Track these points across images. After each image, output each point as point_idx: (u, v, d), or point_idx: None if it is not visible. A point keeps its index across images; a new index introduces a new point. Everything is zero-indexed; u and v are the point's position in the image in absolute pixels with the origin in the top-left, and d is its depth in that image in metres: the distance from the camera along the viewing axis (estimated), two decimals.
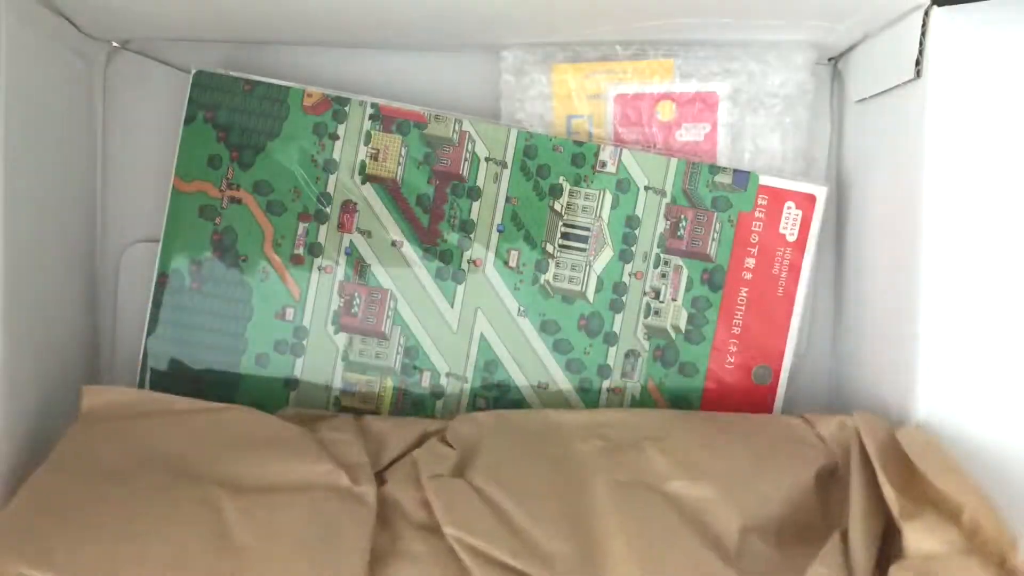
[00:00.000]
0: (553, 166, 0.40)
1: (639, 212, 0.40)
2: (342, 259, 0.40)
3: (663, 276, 0.40)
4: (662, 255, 0.40)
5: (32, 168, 0.35)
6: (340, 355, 0.40)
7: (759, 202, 0.39)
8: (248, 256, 0.40)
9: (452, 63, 0.42)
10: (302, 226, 0.40)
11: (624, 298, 0.40)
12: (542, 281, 0.40)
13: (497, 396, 0.40)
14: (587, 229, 0.40)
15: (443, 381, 0.40)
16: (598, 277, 0.40)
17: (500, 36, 0.40)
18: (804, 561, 0.29)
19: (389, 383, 0.40)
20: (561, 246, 0.40)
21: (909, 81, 0.34)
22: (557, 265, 0.40)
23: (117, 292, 0.42)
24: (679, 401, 0.40)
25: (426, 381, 0.40)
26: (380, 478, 0.33)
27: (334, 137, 0.40)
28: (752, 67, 0.40)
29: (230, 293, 0.40)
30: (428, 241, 0.40)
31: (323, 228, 0.40)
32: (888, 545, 0.30)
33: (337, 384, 0.40)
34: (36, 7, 0.35)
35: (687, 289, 0.40)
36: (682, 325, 0.40)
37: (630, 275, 0.40)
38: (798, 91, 0.40)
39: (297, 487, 0.32)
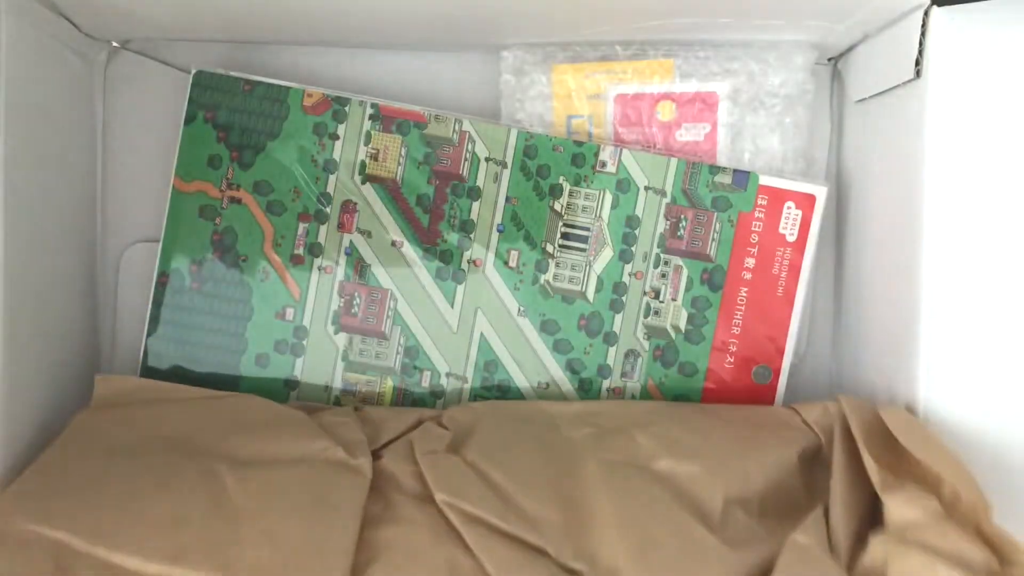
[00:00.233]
0: (553, 166, 0.40)
1: (639, 212, 0.40)
2: (342, 259, 0.40)
3: (663, 276, 0.40)
4: (662, 255, 0.40)
5: (32, 168, 0.35)
6: (340, 355, 0.40)
7: (759, 202, 0.39)
8: (248, 256, 0.40)
9: (452, 63, 0.42)
10: (302, 226, 0.40)
11: (624, 298, 0.40)
12: (542, 281, 0.40)
13: (497, 396, 0.40)
14: (587, 229, 0.40)
15: (443, 381, 0.40)
16: (598, 277, 0.40)
17: (500, 36, 0.40)
18: (786, 533, 0.30)
19: (389, 383, 0.40)
20: (561, 246, 0.40)
21: (909, 81, 0.34)
22: (557, 265, 0.40)
23: (117, 292, 0.42)
24: (679, 401, 0.40)
25: (426, 381, 0.40)
26: (376, 455, 0.34)
27: (334, 137, 0.40)
28: (752, 67, 0.40)
29: (230, 293, 0.40)
30: (428, 241, 0.40)
31: (323, 228, 0.40)
32: (871, 523, 0.31)
33: (337, 384, 0.40)
34: (36, 7, 0.35)
35: (687, 289, 0.40)
36: (682, 325, 0.40)
37: (630, 275, 0.40)
38: (798, 91, 0.40)
39: (295, 460, 0.33)
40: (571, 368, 0.40)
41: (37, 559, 0.27)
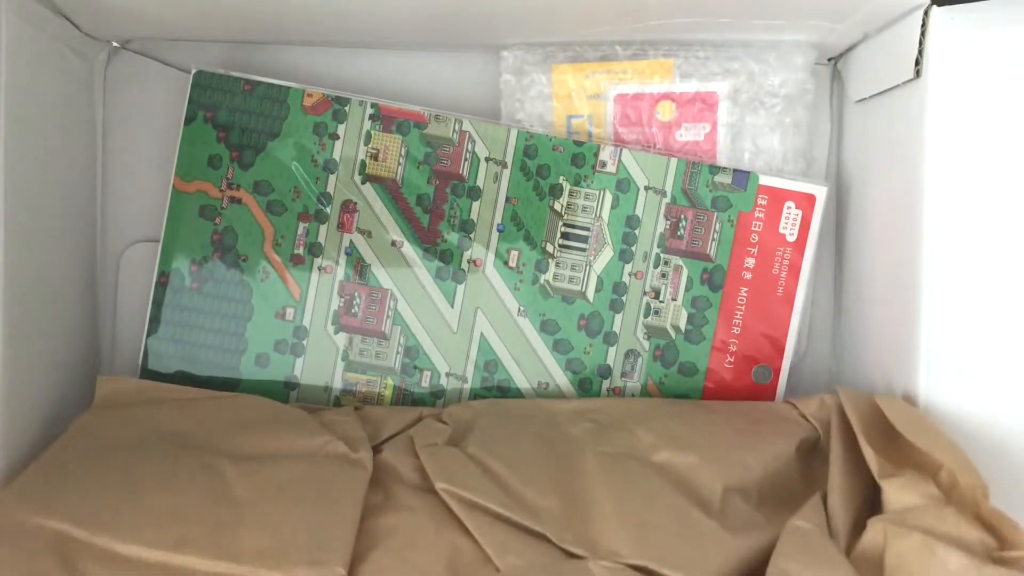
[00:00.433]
0: (553, 166, 0.40)
1: (639, 212, 0.40)
2: (342, 259, 0.40)
3: (663, 276, 0.40)
4: (662, 255, 0.40)
5: (32, 168, 0.35)
6: (340, 355, 0.40)
7: (759, 202, 0.39)
8: (248, 256, 0.40)
9: (452, 63, 0.42)
10: (302, 226, 0.40)
11: (624, 298, 0.40)
12: (542, 281, 0.40)
13: (497, 396, 0.40)
14: (587, 229, 0.40)
15: (443, 381, 0.40)
16: (598, 277, 0.40)
17: (500, 36, 0.40)
18: (784, 520, 0.30)
19: (389, 383, 0.40)
20: (561, 246, 0.40)
21: (909, 81, 0.34)
22: (557, 265, 0.40)
23: (117, 292, 0.42)
24: (679, 400, 0.40)
25: (426, 381, 0.40)
26: (377, 450, 0.34)
27: (334, 137, 0.40)
28: (752, 67, 0.40)
29: (230, 293, 0.40)
30: (428, 241, 0.40)
31: (323, 228, 0.40)
32: (869, 512, 0.31)
33: (337, 384, 0.40)
34: (36, 7, 0.35)
35: (687, 289, 0.40)
36: (682, 325, 0.40)
37: (630, 275, 0.40)
38: (798, 91, 0.40)
39: (296, 455, 0.33)
40: (571, 368, 0.40)
41: (40, 550, 0.27)
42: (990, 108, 0.32)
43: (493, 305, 0.40)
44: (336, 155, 0.40)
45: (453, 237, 0.40)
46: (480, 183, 0.40)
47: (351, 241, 0.40)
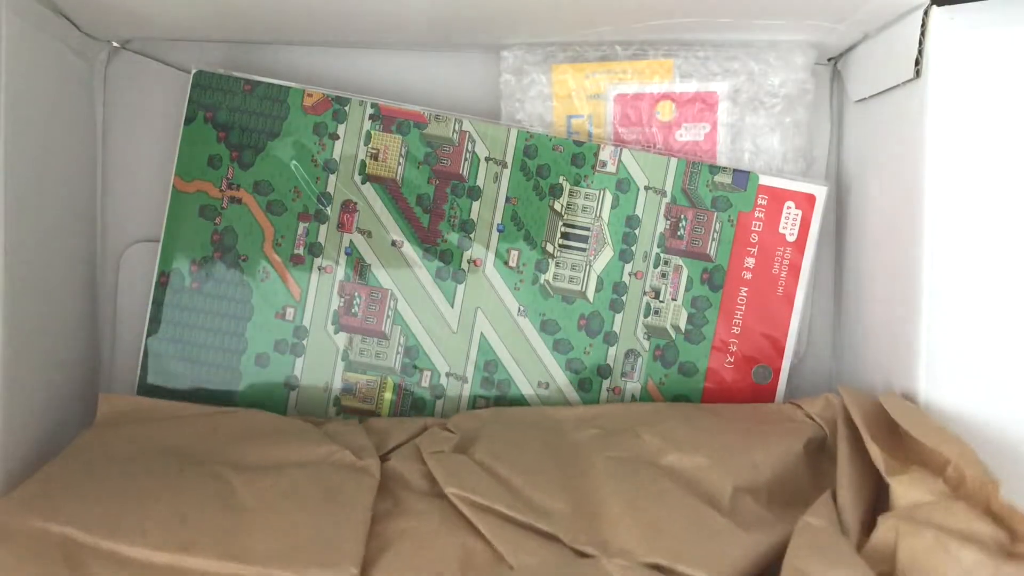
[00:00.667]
0: (553, 166, 0.40)
1: (639, 212, 0.40)
2: (342, 259, 0.40)
3: (663, 276, 0.40)
4: (662, 255, 0.40)
5: (32, 168, 0.35)
6: (340, 355, 0.40)
7: (759, 202, 0.40)
8: (248, 256, 0.40)
9: (452, 63, 0.42)
10: (302, 226, 0.40)
11: (624, 298, 0.40)
12: (542, 281, 0.40)
13: (497, 396, 0.40)
14: (587, 229, 0.40)
15: (443, 381, 0.40)
16: (598, 277, 0.40)
17: (500, 36, 0.40)
18: (795, 518, 0.30)
19: (389, 383, 0.40)
20: (561, 246, 0.40)
21: (909, 81, 0.34)
22: (557, 265, 0.40)
23: (117, 292, 0.42)
24: (679, 401, 0.40)
25: (426, 381, 0.40)
26: (383, 459, 0.34)
27: (334, 137, 0.40)
28: (752, 67, 0.40)
29: (230, 293, 0.40)
30: (428, 241, 0.40)
31: (323, 228, 0.40)
32: (877, 511, 0.31)
33: (337, 384, 0.40)
34: (36, 7, 0.35)
35: (687, 289, 0.40)
36: (682, 325, 0.40)
37: (630, 275, 0.40)
38: (798, 91, 0.40)
39: (302, 463, 0.33)
40: (571, 368, 0.40)
41: (46, 553, 0.27)
42: (990, 108, 0.32)
43: (493, 305, 0.40)
44: (336, 155, 0.40)
45: (453, 237, 0.40)
46: (480, 183, 0.40)
47: (351, 241, 0.40)
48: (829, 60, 0.43)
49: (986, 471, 0.28)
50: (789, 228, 0.40)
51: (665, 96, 0.40)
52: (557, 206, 0.40)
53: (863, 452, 0.32)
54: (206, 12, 0.37)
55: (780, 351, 0.40)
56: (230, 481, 0.31)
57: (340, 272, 0.40)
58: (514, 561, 0.28)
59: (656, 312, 0.40)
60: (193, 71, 0.40)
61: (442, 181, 0.40)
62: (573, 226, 0.40)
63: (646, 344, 0.40)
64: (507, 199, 0.40)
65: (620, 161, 0.40)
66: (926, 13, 0.33)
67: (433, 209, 0.40)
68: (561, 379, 0.40)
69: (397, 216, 0.40)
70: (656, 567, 0.28)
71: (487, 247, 0.40)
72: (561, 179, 0.40)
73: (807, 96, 0.40)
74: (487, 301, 0.40)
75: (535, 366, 0.40)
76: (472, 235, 0.40)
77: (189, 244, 0.40)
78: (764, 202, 0.39)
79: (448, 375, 0.40)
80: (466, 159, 0.40)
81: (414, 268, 0.40)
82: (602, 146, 0.40)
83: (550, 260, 0.40)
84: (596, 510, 0.31)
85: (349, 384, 0.40)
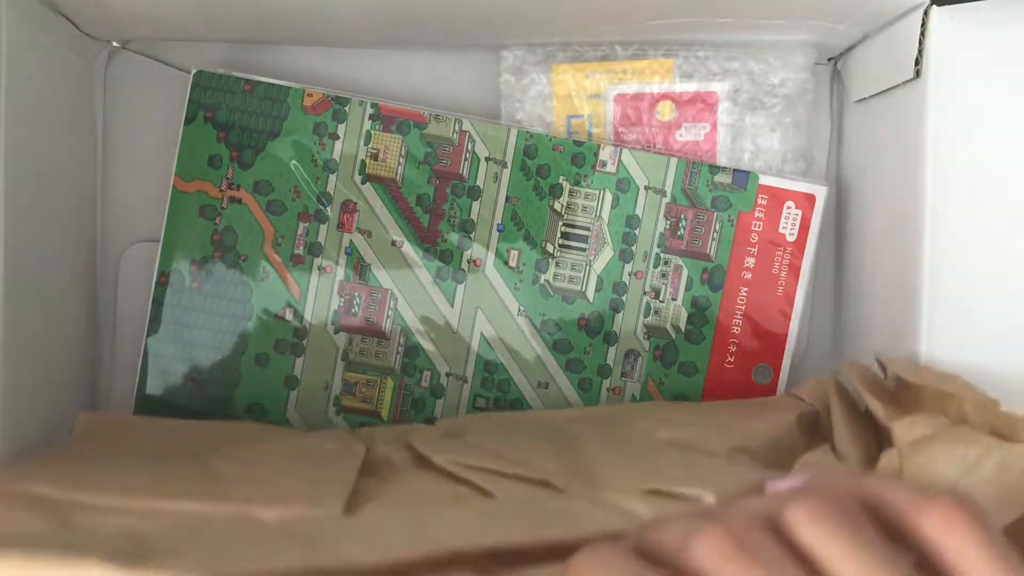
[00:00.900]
0: (553, 166, 0.40)
1: (639, 212, 0.40)
2: (342, 259, 0.40)
3: (663, 276, 0.40)
4: (662, 255, 0.40)
5: (32, 168, 0.35)
6: (340, 355, 0.40)
7: (759, 202, 0.39)
8: (248, 256, 0.40)
9: (452, 63, 0.42)
10: (302, 226, 0.40)
11: (624, 298, 0.40)
12: (542, 281, 0.40)
13: (497, 396, 0.40)
14: (587, 229, 0.40)
15: (443, 381, 0.40)
16: (598, 277, 0.40)
17: (500, 36, 0.40)
18: None
19: (389, 383, 0.40)
20: (561, 246, 0.40)
21: (909, 81, 0.34)
22: (557, 265, 0.40)
23: (117, 292, 0.42)
24: (679, 401, 0.40)
25: (426, 381, 0.40)
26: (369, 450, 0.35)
27: (334, 137, 0.40)
28: (752, 67, 0.40)
29: (230, 293, 0.40)
30: (428, 241, 0.40)
31: (323, 228, 0.40)
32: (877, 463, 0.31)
33: (337, 384, 0.40)
34: (36, 6, 0.35)
35: (687, 289, 0.40)
36: (682, 325, 0.40)
37: (630, 275, 0.40)
38: (798, 91, 0.40)
39: (286, 448, 0.34)
40: (571, 368, 0.40)
41: (24, 507, 0.27)
42: (990, 108, 0.32)
43: (493, 305, 0.40)
44: (336, 155, 0.40)
45: (453, 237, 0.40)
46: (480, 183, 0.40)
47: (351, 241, 0.40)
48: (829, 60, 0.43)
49: (986, 394, 0.28)
50: (789, 228, 0.40)
51: (665, 96, 0.40)
52: (557, 206, 0.40)
53: (858, 419, 0.32)
54: (206, 12, 0.37)
55: (780, 351, 0.40)
56: (210, 463, 0.31)
57: (340, 272, 0.40)
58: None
59: (656, 312, 0.40)
60: (193, 71, 0.40)
61: (442, 181, 0.40)
62: (573, 226, 0.40)
63: (646, 344, 0.40)
64: (507, 199, 0.40)
65: (620, 161, 0.40)
66: (926, 13, 0.33)
67: (433, 209, 0.40)
68: (561, 379, 0.40)
69: (397, 216, 0.40)
70: (654, 492, 0.28)
71: (487, 247, 0.40)
72: (561, 179, 0.40)
73: (807, 96, 0.40)
74: (487, 301, 0.40)
75: (535, 366, 0.40)
76: (472, 235, 0.40)
77: (189, 244, 0.40)
78: (764, 202, 0.39)
79: (448, 375, 0.40)
80: (466, 159, 0.40)
81: (414, 268, 0.40)
82: (602, 146, 0.40)
83: (550, 260, 0.40)
84: (591, 468, 0.31)
85: (349, 384, 0.40)
